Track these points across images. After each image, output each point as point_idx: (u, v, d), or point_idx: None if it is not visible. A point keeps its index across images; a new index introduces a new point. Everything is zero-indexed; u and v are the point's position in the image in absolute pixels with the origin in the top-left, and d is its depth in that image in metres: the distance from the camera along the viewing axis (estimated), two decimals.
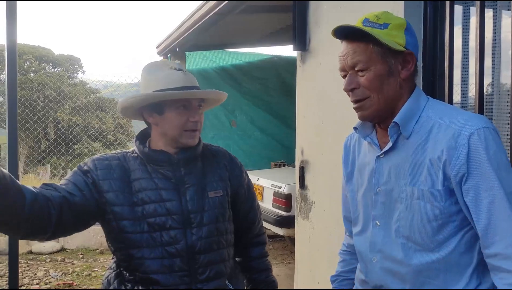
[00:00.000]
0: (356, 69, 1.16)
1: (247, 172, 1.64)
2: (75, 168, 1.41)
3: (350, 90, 1.18)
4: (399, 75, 1.16)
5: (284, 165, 6.54)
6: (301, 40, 2.73)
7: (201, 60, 6.69)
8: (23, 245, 5.52)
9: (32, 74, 14.60)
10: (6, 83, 1.91)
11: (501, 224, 1.03)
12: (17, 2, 1.86)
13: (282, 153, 6.93)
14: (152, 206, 1.36)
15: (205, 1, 4.48)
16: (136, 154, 1.45)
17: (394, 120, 1.16)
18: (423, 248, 1.13)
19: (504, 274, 1.03)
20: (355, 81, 1.16)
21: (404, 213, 1.15)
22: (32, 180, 9.07)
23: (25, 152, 12.15)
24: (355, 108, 1.20)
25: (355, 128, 1.29)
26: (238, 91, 6.83)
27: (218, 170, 1.51)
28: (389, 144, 1.18)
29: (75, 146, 12.54)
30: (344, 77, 1.20)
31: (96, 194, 1.36)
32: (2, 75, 13.58)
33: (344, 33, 1.18)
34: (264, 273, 1.64)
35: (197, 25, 4.90)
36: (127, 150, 1.49)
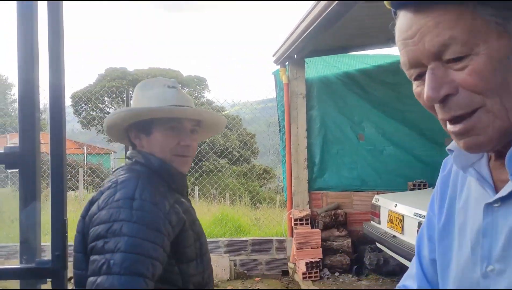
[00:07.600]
0: (447, 58, 0.67)
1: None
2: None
3: (441, 100, 0.69)
4: None
5: (425, 186, 5.51)
6: None
7: (322, 67, 6.10)
8: None
9: None
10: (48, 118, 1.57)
11: None
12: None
13: (422, 171, 5.82)
14: (203, 236, 1.33)
15: None
16: (166, 184, 1.29)
17: None
18: None
19: None
20: (447, 82, 0.68)
21: None
22: None
23: None
24: (458, 134, 0.70)
25: (450, 151, 0.82)
26: (365, 99, 6.04)
27: None
28: (510, 185, 0.69)
29: (202, 163, 12.98)
30: (415, 78, 0.74)
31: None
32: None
33: None
34: None
35: (314, 24, 4.22)
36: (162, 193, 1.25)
